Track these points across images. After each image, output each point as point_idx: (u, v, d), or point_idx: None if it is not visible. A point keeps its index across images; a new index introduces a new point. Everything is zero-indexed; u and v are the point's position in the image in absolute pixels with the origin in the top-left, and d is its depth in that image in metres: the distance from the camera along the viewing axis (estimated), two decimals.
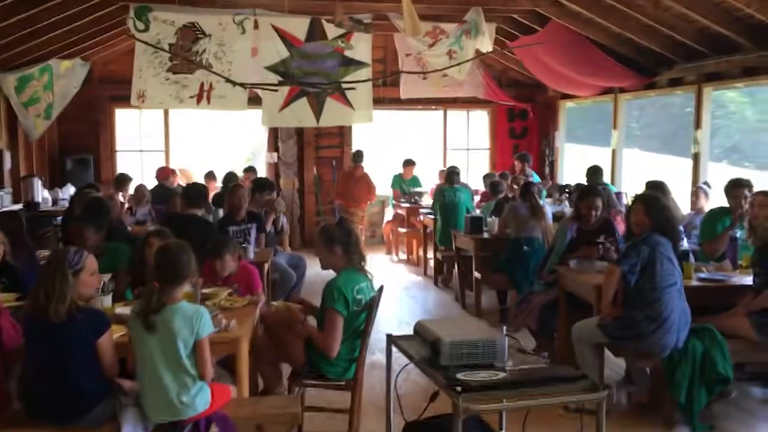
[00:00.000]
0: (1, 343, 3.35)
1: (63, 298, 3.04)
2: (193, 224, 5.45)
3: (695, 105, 7.92)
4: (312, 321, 4.01)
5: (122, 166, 11.20)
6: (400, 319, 7.09)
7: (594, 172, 8.61)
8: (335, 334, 3.72)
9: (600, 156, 11.04)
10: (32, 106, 8.92)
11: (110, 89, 10.51)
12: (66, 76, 9.36)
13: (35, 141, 9.44)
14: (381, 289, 4.07)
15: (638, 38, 7.85)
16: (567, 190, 9.05)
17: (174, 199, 6.45)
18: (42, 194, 9.16)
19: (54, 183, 10.25)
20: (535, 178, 9.79)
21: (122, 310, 3.82)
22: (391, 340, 3.38)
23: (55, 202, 9.34)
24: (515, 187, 7.90)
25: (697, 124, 7.91)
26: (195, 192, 5.86)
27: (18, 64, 8.58)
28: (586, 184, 8.11)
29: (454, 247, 7.57)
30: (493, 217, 7.18)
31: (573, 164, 11.76)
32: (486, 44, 8.48)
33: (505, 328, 3.32)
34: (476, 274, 6.82)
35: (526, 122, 11.91)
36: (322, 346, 3.75)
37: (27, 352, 3.20)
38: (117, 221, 6.61)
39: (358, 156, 10.40)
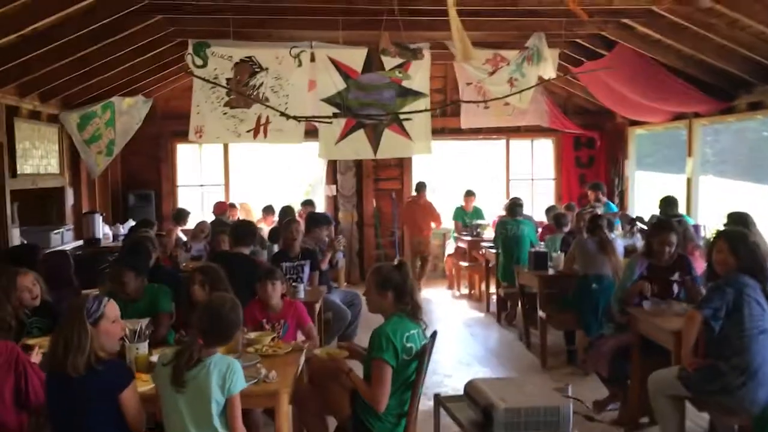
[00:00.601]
0: (27, 398, 3.17)
1: (81, 350, 2.85)
2: (238, 263, 5.26)
3: None
4: (359, 369, 3.71)
5: (183, 200, 11.27)
6: (459, 359, 6.72)
7: (668, 202, 8.08)
8: (384, 386, 3.41)
9: (673, 184, 10.46)
10: (94, 143, 9.03)
11: (172, 125, 10.58)
12: (128, 113, 9.47)
13: (98, 177, 9.53)
14: (434, 335, 3.75)
15: (713, 60, 7.36)
16: (639, 222, 8.54)
17: (220, 236, 6.29)
18: (103, 230, 9.21)
19: (116, 219, 10.34)
20: (612, 208, 9.32)
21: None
22: (438, 402, 3.05)
23: (115, 237, 9.38)
24: (582, 222, 7.40)
25: None
26: (243, 229, 5.68)
27: (80, 102, 8.70)
28: (659, 216, 7.62)
29: (517, 283, 7.16)
30: (559, 252, 6.77)
31: (644, 194, 11.18)
32: (549, 70, 8.13)
33: (570, 388, 2.93)
34: (541, 313, 6.40)
35: (593, 150, 11.42)
36: (370, 400, 3.44)
37: (47, 407, 3.01)
38: (168, 258, 6.51)
39: (421, 186, 10.46)
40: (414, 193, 10.61)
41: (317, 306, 5.56)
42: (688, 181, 9.04)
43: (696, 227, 7.36)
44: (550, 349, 6.56)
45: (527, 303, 7.10)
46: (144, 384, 3.31)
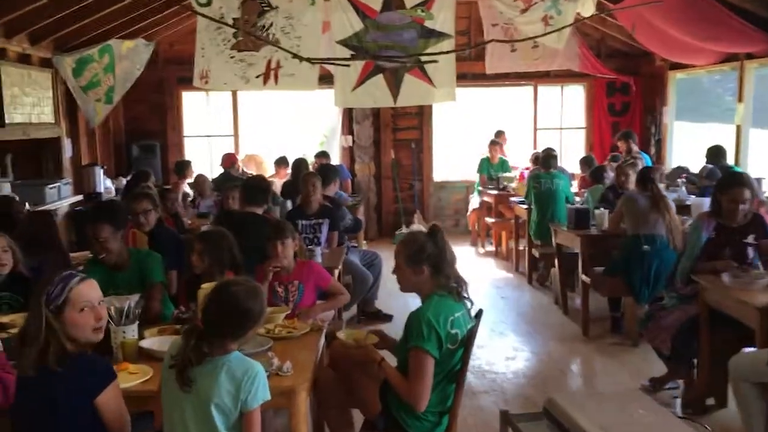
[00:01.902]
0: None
1: (37, 344, 2.27)
2: (250, 224, 4.64)
3: None
4: (390, 358, 3.11)
5: (190, 152, 10.63)
6: (492, 327, 6.12)
7: (716, 152, 7.40)
8: (425, 381, 2.81)
9: (716, 134, 9.71)
10: (92, 90, 8.35)
11: (177, 71, 9.87)
12: (128, 57, 8.76)
13: (97, 127, 8.90)
14: (479, 315, 3.14)
15: None
16: (684, 174, 7.85)
17: (228, 192, 5.66)
18: (104, 184, 8.62)
19: (120, 171, 9.75)
20: (647, 161, 8.58)
21: (151, 343, 3.02)
22: (506, 420, 2.43)
23: (118, 191, 8.78)
24: (624, 175, 6.65)
25: None
26: (255, 187, 5.02)
27: (75, 45, 8.01)
28: (717, 168, 6.92)
29: (554, 242, 6.52)
30: (602, 208, 6.09)
31: (683, 144, 10.42)
32: (588, 7, 7.33)
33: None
34: (584, 278, 5.76)
35: (627, 97, 10.61)
36: (408, 396, 2.84)
37: (10, 410, 2.44)
38: (170, 216, 5.91)
39: None
40: None
41: (337, 271, 4.95)
42: (738, 129, 8.27)
43: (758, 180, 6.65)
44: (591, 315, 5.95)
45: (565, 264, 6.46)
46: (133, 377, 2.73)
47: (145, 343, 3.02)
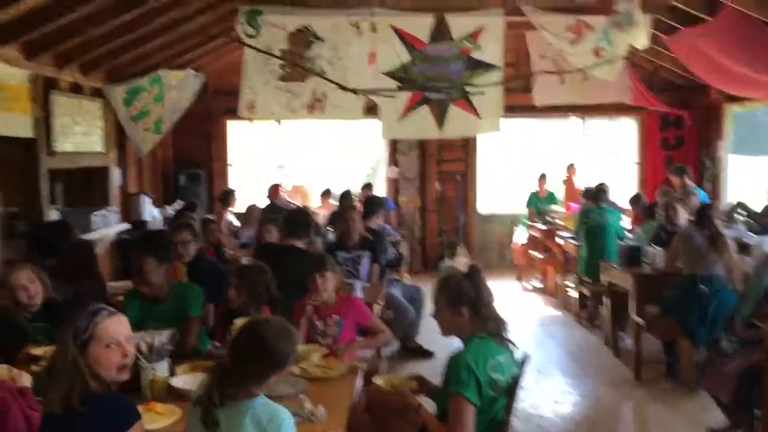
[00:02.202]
0: None
1: (59, 382, 2.17)
2: (289, 257, 4.55)
3: None
4: (428, 404, 2.94)
5: (236, 181, 10.70)
6: (538, 367, 5.84)
7: None
8: (465, 430, 2.64)
9: None
10: (141, 119, 8.44)
11: (224, 101, 9.93)
12: (177, 88, 8.82)
13: (146, 157, 9.00)
14: (525, 360, 2.96)
15: None
16: (741, 209, 7.49)
17: (266, 226, 5.58)
18: (151, 212, 8.69)
19: (166, 200, 9.83)
20: (702, 196, 8.26)
21: (182, 381, 2.92)
22: None
23: (165, 220, 8.84)
24: (672, 211, 6.35)
25: None
26: (297, 220, 4.94)
27: (126, 75, 8.14)
28: None
29: (603, 280, 6.25)
30: (655, 246, 5.83)
31: (739, 179, 10.04)
32: (641, 38, 7.15)
33: None
34: (637, 319, 5.49)
35: (681, 131, 10.29)
36: None
37: None
38: (211, 247, 5.86)
39: None
40: None
41: (377, 306, 4.81)
42: None
43: None
44: (644, 358, 5.65)
45: (616, 303, 6.19)
46: (160, 418, 2.62)
47: (176, 381, 2.92)
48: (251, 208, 8.07)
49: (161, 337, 2.94)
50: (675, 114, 10.07)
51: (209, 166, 10.36)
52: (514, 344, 2.89)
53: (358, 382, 3.17)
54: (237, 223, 8.41)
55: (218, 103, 10.15)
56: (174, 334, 3.08)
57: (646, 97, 9.69)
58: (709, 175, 10.00)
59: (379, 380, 3.02)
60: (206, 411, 2.20)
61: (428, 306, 6.31)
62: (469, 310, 2.81)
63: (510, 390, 2.76)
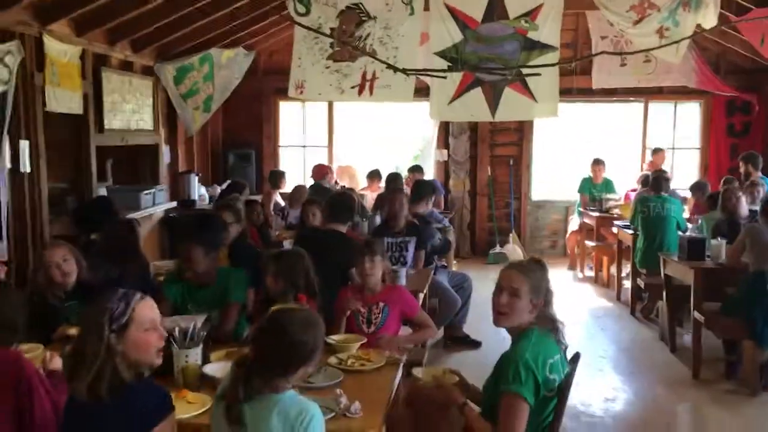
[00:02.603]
0: (32, 424, 2.41)
1: (88, 369, 2.06)
2: (332, 243, 4.41)
3: None
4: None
5: (285, 162, 10.63)
6: (589, 362, 5.56)
7: None
8: (517, 431, 2.46)
9: None
10: (191, 98, 8.46)
11: (274, 81, 9.86)
12: (228, 67, 8.84)
13: (195, 135, 9.00)
14: (576, 359, 2.76)
15: None
16: None
17: (310, 207, 5.43)
18: (199, 191, 8.68)
19: (215, 179, 9.83)
20: None
21: (215, 369, 2.81)
22: None
23: (212, 199, 8.83)
24: (735, 196, 6.01)
25: None
26: (340, 203, 4.78)
27: (176, 53, 8.11)
28: None
29: (662, 273, 5.95)
30: (719, 239, 5.50)
31: None
32: (710, 18, 6.76)
33: None
34: (697, 316, 5.20)
35: (748, 117, 9.78)
36: None
37: None
38: (256, 228, 5.77)
39: None
40: None
41: (421, 295, 4.65)
42: None
43: None
44: (703, 356, 5.36)
45: (674, 297, 5.89)
46: (190, 407, 2.52)
47: (208, 369, 2.81)
48: (298, 188, 7.99)
49: (195, 322, 2.84)
50: (742, 99, 9.59)
51: (259, 146, 10.30)
52: (566, 344, 2.69)
53: (398, 374, 3.02)
54: (283, 204, 8.33)
55: (269, 83, 10.08)
56: (209, 319, 2.98)
57: (712, 80, 9.25)
58: None
59: (419, 372, 2.86)
60: (230, 406, 2.09)
61: (475, 294, 6.16)
62: (544, 303, 2.63)
63: (562, 390, 2.57)
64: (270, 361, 2.12)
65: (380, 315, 3.76)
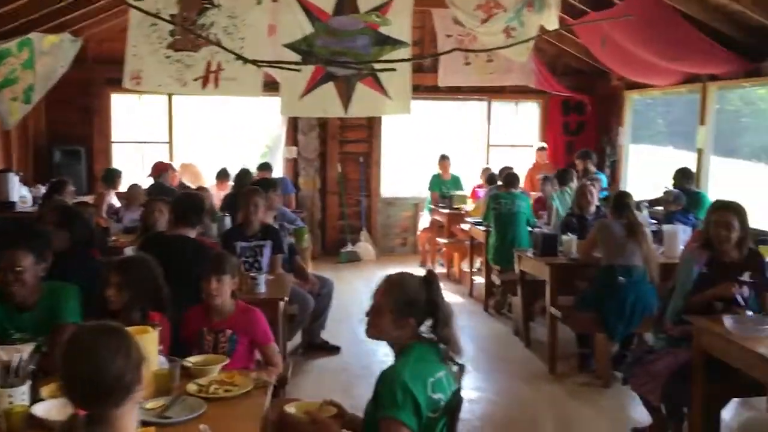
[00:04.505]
0: None
1: None
2: (180, 250, 3.96)
3: None
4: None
5: (120, 159, 9.82)
6: None
7: (685, 174, 7.10)
8: None
9: (671, 158, 9.53)
10: (8, 87, 7.49)
11: (107, 71, 9.04)
12: (51, 54, 7.93)
13: (13, 129, 8.03)
14: (462, 371, 2.59)
15: (749, 10, 6.26)
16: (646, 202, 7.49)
17: (155, 205, 4.89)
18: (20, 192, 7.74)
19: (39, 179, 8.84)
20: (603, 181, 8.25)
21: (47, 409, 2.34)
22: None
23: (35, 200, 7.91)
24: (590, 192, 6.27)
25: None
26: (188, 205, 4.30)
27: None
28: (684, 191, 6.61)
29: (517, 269, 6.02)
30: (569, 234, 5.65)
31: (637, 166, 10.18)
32: (553, 20, 6.96)
33: None
34: (553, 311, 5.28)
35: (582, 116, 10.33)
36: None
37: None
38: (91, 234, 5.14)
39: None
40: None
41: (282, 304, 4.32)
42: (699, 153, 8.02)
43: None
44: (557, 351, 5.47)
45: (528, 293, 5.99)
46: None
47: (38, 409, 2.34)
48: (132, 188, 7.30)
49: (22, 354, 2.35)
50: (576, 99, 10.10)
51: (90, 142, 9.43)
52: (459, 365, 2.51)
53: (268, 399, 2.70)
54: (119, 205, 7.62)
55: (100, 73, 9.26)
56: (38, 348, 2.49)
57: (549, 81, 9.63)
58: (609, 161, 10.08)
59: (291, 408, 2.54)
60: None
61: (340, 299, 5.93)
62: (415, 323, 2.40)
63: (451, 409, 2.38)
64: (89, 399, 1.72)
65: (227, 344, 3.29)
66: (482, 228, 7.20)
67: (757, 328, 3.32)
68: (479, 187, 9.15)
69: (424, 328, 2.44)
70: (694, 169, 7.69)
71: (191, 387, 2.64)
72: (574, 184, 7.29)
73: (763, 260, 3.95)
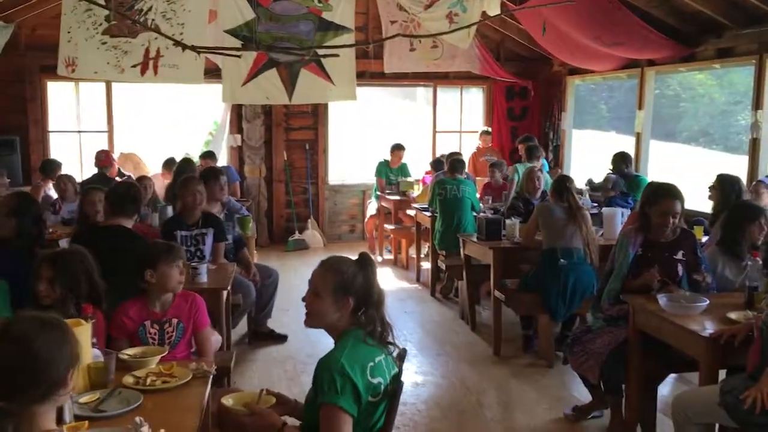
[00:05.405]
0: None
1: None
2: (118, 241, 3.86)
3: (755, 80, 6.53)
4: (290, 419, 2.51)
5: (57, 149, 9.52)
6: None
7: (623, 158, 7.26)
8: None
9: (608, 142, 9.73)
10: None
11: (41, 58, 8.76)
12: None
13: None
14: (403, 356, 2.60)
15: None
16: (588, 185, 7.65)
17: (94, 197, 4.75)
18: None
19: None
20: (545, 167, 8.38)
21: None
22: None
23: None
24: (537, 178, 6.35)
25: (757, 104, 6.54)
26: (123, 195, 4.19)
27: None
28: (622, 175, 6.76)
29: (462, 254, 6.07)
30: (513, 218, 5.72)
31: (579, 151, 10.38)
32: (494, 6, 7.02)
33: None
34: (497, 294, 5.35)
35: (526, 102, 10.45)
36: None
37: None
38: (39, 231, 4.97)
39: None
40: None
41: (225, 293, 4.26)
42: (638, 137, 8.22)
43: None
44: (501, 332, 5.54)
45: (473, 277, 6.05)
46: None
47: None
48: (63, 179, 7.02)
49: None
50: (520, 85, 10.20)
51: (25, 132, 9.11)
52: (396, 346, 2.51)
53: (208, 389, 2.65)
54: (56, 197, 7.39)
55: (33, 60, 8.96)
56: None
57: (493, 66, 9.71)
58: (552, 146, 10.23)
59: (228, 401, 2.50)
60: None
61: (279, 284, 5.87)
62: (354, 303, 2.38)
63: (392, 392, 2.38)
64: (12, 394, 1.67)
65: (174, 333, 3.24)
66: (428, 214, 7.24)
67: (689, 306, 3.42)
68: (428, 173, 9.19)
69: (360, 313, 2.42)
70: (633, 153, 7.90)
71: (128, 379, 2.59)
72: (540, 163, 7.50)
73: (695, 239, 4.07)
